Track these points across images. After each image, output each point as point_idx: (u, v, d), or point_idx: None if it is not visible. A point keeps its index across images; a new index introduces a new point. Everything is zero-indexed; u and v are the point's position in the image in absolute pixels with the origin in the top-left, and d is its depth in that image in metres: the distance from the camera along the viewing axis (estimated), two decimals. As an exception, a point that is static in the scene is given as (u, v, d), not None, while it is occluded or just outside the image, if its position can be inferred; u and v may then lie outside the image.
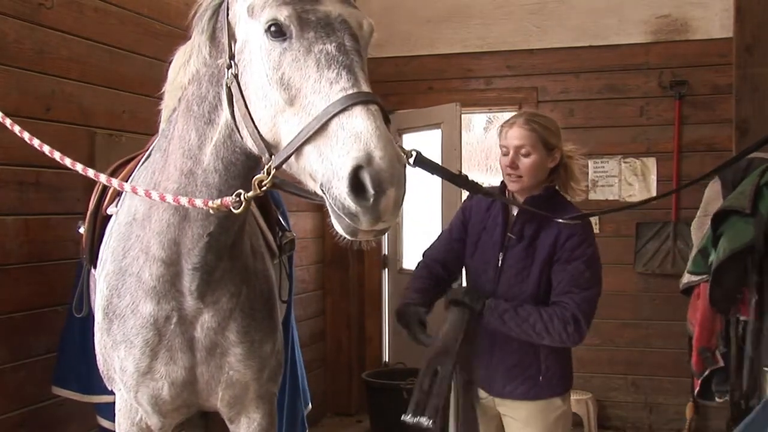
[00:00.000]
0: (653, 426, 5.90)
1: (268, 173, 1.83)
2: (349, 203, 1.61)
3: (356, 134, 1.63)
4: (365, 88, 1.73)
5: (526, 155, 2.85)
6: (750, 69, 5.44)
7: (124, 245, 2.35)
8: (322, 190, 1.69)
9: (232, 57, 1.94)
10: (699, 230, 4.55)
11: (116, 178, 2.67)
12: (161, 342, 2.31)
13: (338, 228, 1.71)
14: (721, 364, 4.12)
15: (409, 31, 6.12)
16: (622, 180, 5.96)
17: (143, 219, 2.28)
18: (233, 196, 1.93)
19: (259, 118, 1.87)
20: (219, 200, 1.98)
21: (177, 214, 2.18)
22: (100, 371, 2.55)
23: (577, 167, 2.99)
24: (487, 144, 26.11)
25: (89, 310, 2.76)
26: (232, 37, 1.96)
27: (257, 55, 1.86)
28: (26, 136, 2.40)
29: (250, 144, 1.94)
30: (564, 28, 6.00)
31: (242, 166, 2.09)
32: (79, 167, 2.22)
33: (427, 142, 5.96)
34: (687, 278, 4.46)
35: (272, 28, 1.80)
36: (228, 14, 1.99)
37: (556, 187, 2.98)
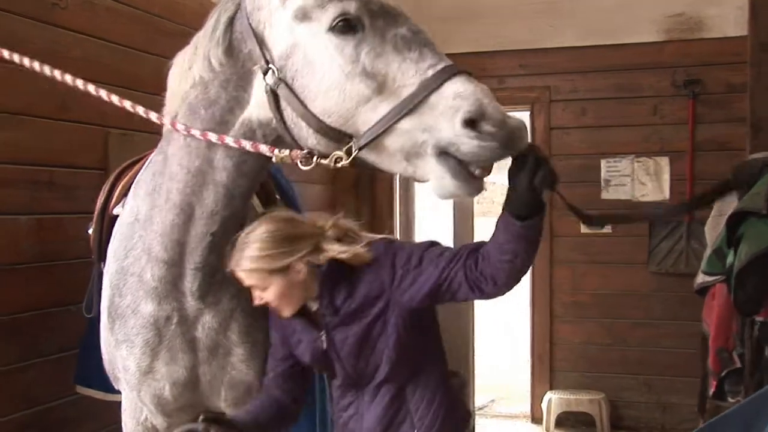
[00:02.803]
0: (666, 426, 5.88)
1: (348, 153, 1.89)
2: (482, 146, 1.72)
3: (462, 94, 1.75)
4: (447, 60, 1.82)
5: (264, 290, 2.20)
6: (765, 67, 5.38)
7: (126, 245, 2.36)
8: (438, 154, 1.77)
9: (269, 63, 1.97)
10: (713, 230, 4.52)
11: (122, 181, 2.70)
12: (162, 342, 2.32)
13: (460, 190, 1.79)
14: (738, 365, 4.10)
15: (422, 30, 6.09)
16: (635, 179, 5.94)
17: (145, 220, 2.29)
18: (304, 152, 1.97)
19: (329, 115, 1.89)
20: (288, 151, 2.00)
21: (182, 214, 2.19)
22: (107, 370, 2.56)
23: (336, 242, 2.23)
24: (498, 143, 26.11)
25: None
26: (262, 43, 1.99)
27: (323, 55, 1.88)
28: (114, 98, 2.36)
29: (313, 143, 1.96)
30: (577, 27, 5.98)
31: (252, 165, 2.12)
32: (153, 115, 2.24)
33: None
34: (701, 278, 4.43)
35: (340, 24, 1.85)
36: (251, 24, 2.01)
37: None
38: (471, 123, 1.72)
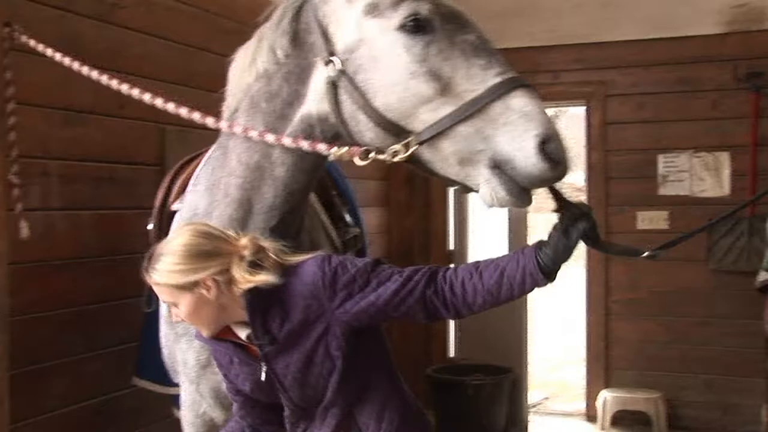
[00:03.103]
0: (728, 427, 5.74)
1: (406, 147, 1.91)
2: (545, 169, 1.77)
3: (529, 114, 1.79)
4: (514, 71, 1.86)
5: (176, 306, 2.05)
6: (830, 60, 5.25)
7: None
8: (492, 168, 1.82)
9: (332, 55, 2.00)
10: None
11: (181, 176, 2.74)
12: None
13: (510, 202, 1.84)
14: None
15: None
16: (694, 175, 5.82)
17: (204, 215, 2.31)
18: (361, 149, 2.00)
19: (391, 111, 1.92)
20: (346, 148, 2.02)
21: (240, 209, 2.22)
22: (166, 364, 2.61)
23: (248, 265, 1.99)
24: (553, 138, 25.86)
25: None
26: (326, 36, 2.03)
27: (390, 52, 1.92)
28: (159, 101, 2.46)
29: (371, 137, 1.98)
30: (635, 20, 5.87)
31: (312, 159, 2.15)
32: (209, 120, 2.27)
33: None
34: (763, 276, 4.34)
35: (410, 24, 1.88)
36: (317, 16, 2.05)
37: None
38: (541, 144, 1.77)
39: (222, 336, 2.09)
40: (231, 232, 2.06)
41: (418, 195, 6.29)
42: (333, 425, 2.08)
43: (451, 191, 6.40)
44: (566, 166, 1.81)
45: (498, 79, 1.83)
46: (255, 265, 1.97)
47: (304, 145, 2.07)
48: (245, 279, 1.95)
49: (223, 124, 2.23)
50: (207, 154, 2.50)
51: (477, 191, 1.91)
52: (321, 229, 2.65)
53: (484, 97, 1.81)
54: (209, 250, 1.99)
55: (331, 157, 2.08)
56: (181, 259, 1.97)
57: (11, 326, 2.76)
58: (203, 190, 2.35)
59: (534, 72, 6.12)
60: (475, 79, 1.85)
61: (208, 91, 3.90)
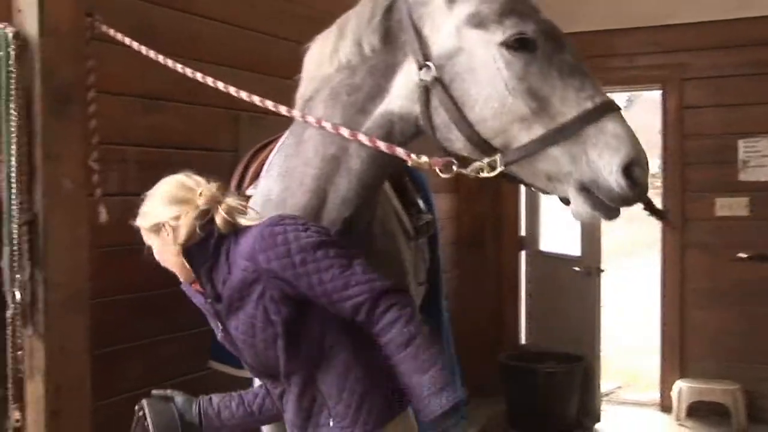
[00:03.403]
0: (811, 421, 5.57)
1: (491, 167, 1.95)
2: (627, 192, 1.82)
3: (619, 137, 1.83)
4: (605, 94, 1.90)
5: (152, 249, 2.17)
6: None
7: None
8: (579, 188, 1.87)
9: (427, 59, 1.99)
10: None
11: (255, 162, 2.78)
12: None
13: (597, 217, 1.91)
14: None
15: (549, 9, 5.97)
16: (776, 160, 5.63)
17: (278, 200, 2.33)
18: (443, 160, 2.01)
19: (483, 124, 1.94)
20: (425, 158, 2.03)
21: (315, 198, 2.23)
22: None
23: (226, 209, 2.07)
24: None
25: None
26: (420, 38, 2.01)
27: (489, 65, 1.92)
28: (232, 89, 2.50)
29: (460, 147, 2.01)
30: (713, 0, 5.69)
31: (388, 156, 2.12)
32: (283, 109, 2.28)
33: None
34: None
35: (515, 41, 1.89)
36: (412, 16, 2.03)
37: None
38: (626, 168, 1.81)
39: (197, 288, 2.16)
40: (211, 185, 2.09)
41: (488, 180, 6.23)
42: (296, 393, 2.08)
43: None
44: (646, 189, 1.87)
45: (590, 104, 1.86)
46: (203, 218, 2.04)
47: (382, 146, 2.07)
48: (184, 229, 2.05)
49: (296, 113, 2.24)
50: (280, 141, 2.52)
51: (566, 203, 1.97)
52: (393, 216, 2.65)
53: (577, 122, 1.85)
54: (175, 196, 2.08)
55: (410, 164, 2.06)
56: (150, 202, 2.12)
57: (91, 309, 2.84)
58: (276, 176, 2.37)
59: (607, 56, 6.01)
60: (570, 101, 1.87)
61: (281, 77, 3.98)
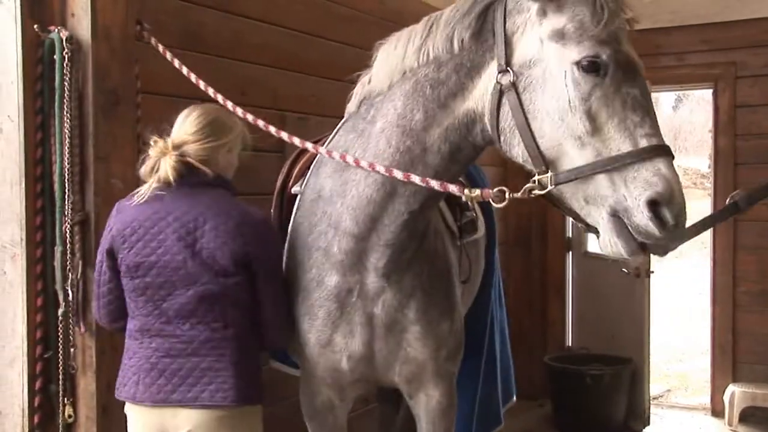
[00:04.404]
0: None
1: (542, 185, 2.03)
2: (651, 229, 1.87)
3: (661, 175, 1.89)
4: (664, 139, 1.96)
5: None
6: None
7: (310, 221, 2.45)
8: (611, 214, 1.93)
9: (508, 64, 2.07)
10: None
11: (301, 160, 2.81)
12: (342, 315, 2.41)
13: (620, 248, 1.94)
14: None
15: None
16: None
17: (331, 195, 2.37)
18: (495, 190, 2.12)
19: (542, 135, 2.02)
20: (479, 190, 2.14)
21: (381, 190, 2.27)
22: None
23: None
24: (676, 123, 24.87)
25: None
26: (508, 44, 2.09)
27: (560, 80, 1.99)
28: (235, 108, 2.61)
29: (518, 152, 2.09)
30: (765, -3, 5.57)
31: (467, 153, 2.23)
32: (296, 140, 2.43)
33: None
34: None
35: (587, 62, 1.96)
36: (506, 21, 2.10)
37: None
38: (654, 203, 1.86)
39: None
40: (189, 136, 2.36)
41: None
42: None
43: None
44: (676, 235, 1.91)
45: (645, 142, 1.91)
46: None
47: (435, 185, 2.16)
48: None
49: (335, 155, 2.34)
50: (328, 140, 2.53)
51: (597, 234, 2.02)
52: (439, 215, 2.66)
53: (628, 157, 1.90)
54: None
55: (464, 199, 2.16)
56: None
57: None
58: (331, 171, 2.40)
59: (657, 54, 5.92)
60: (625, 133, 1.93)
61: (324, 78, 4.01)
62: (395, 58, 2.28)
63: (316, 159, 2.56)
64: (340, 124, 2.49)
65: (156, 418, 2.31)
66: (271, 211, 2.92)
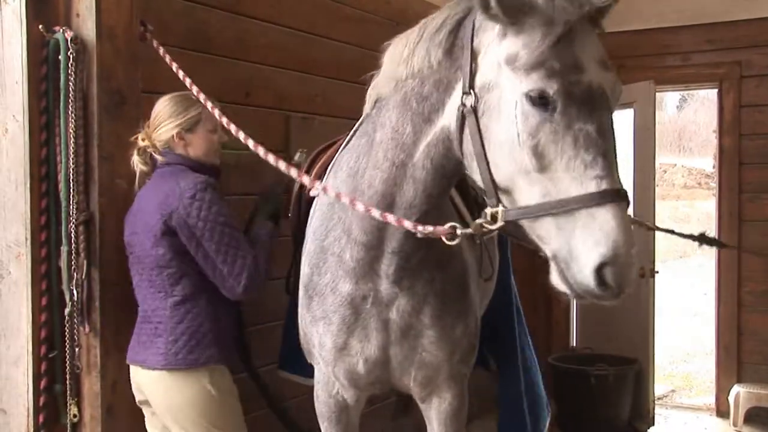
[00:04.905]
0: None
1: (493, 219, 1.94)
2: (593, 289, 1.78)
3: (606, 232, 1.75)
4: (618, 180, 1.81)
5: None
6: None
7: (326, 225, 2.44)
8: (553, 259, 1.85)
9: (472, 86, 1.97)
10: None
11: (317, 164, 2.81)
12: (357, 320, 2.41)
13: (564, 288, 1.86)
14: None
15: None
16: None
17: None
18: (447, 227, 2.05)
19: (496, 165, 1.92)
20: (432, 227, 2.07)
21: (383, 202, 2.23)
22: (302, 345, 2.69)
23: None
24: (680, 123, 24.81)
25: None
26: (474, 61, 1.98)
27: (510, 110, 1.87)
28: (224, 120, 2.63)
29: (476, 178, 2.00)
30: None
31: (451, 169, 2.14)
32: (270, 158, 2.45)
33: (618, 122, 5.75)
34: None
35: (534, 95, 1.81)
36: (473, 39, 1.99)
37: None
38: (598, 266, 1.75)
39: None
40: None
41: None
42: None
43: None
44: (617, 293, 1.81)
45: (593, 187, 1.78)
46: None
47: (392, 220, 2.14)
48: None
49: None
50: (345, 142, 2.52)
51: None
52: (455, 213, 2.59)
53: (574, 203, 1.78)
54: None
55: (419, 235, 2.12)
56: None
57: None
58: (345, 176, 2.38)
59: (662, 54, 5.91)
60: (573, 174, 1.80)
61: (329, 78, 4.01)
62: (391, 66, 2.23)
63: (334, 160, 2.56)
64: (357, 125, 2.47)
65: (133, 374, 2.74)
66: (289, 213, 2.93)
